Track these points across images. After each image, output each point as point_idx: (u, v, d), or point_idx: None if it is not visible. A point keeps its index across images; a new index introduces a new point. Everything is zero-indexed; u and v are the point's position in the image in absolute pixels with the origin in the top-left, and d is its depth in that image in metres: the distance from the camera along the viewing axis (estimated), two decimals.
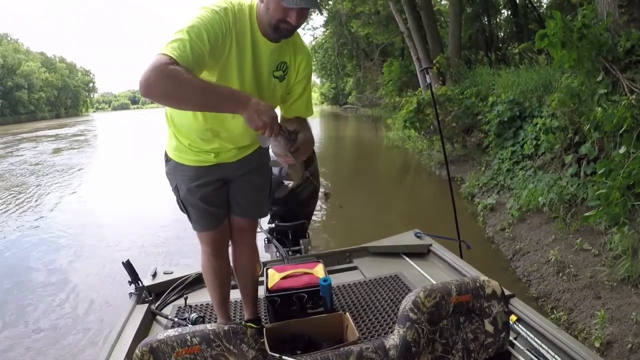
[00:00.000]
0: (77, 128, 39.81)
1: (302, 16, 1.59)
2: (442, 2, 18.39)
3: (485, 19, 16.28)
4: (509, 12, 16.58)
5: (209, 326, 1.27)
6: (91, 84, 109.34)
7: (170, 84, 1.39)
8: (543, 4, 16.16)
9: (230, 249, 2.19)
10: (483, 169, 7.55)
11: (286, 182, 3.17)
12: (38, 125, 47.69)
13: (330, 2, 23.59)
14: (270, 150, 1.91)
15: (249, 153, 1.96)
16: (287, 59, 1.78)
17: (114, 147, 22.72)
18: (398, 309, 1.39)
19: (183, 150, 1.88)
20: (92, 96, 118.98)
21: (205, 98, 1.47)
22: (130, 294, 2.54)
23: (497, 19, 17.26)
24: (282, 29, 1.60)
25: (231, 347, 1.25)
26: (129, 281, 2.54)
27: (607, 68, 5.10)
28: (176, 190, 1.98)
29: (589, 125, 4.90)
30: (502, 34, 17.15)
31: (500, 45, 15.56)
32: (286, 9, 1.52)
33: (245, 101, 1.49)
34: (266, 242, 3.49)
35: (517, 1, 15.49)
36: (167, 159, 1.98)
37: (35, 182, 11.73)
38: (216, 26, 1.53)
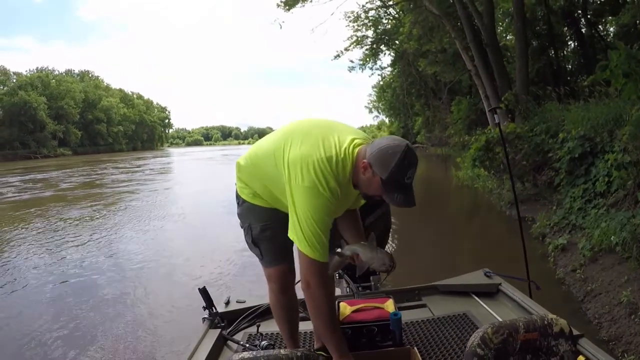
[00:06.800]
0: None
1: None
2: (508, 37, 18.25)
3: (552, 52, 15.94)
4: (576, 44, 16.19)
5: (282, 351, 1.36)
6: (167, 120, 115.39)
7: (320, 308, 1.85)
8: (610, 32, 15.69)
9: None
10: (554, 208, 7.40)
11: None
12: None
13: (397, 42, 23.99)
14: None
15: None
16: None
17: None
18: (465, 347, 1.43)
19: (257, 196, 2.04)
20: (167, 132, 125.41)
21: (324, 332, 1.90)
22: (204, 319, 2.65)
23: (565, 51, 16.85)
24: (373, 199, 1.88)
25: None
26: (203, 307, 2.65)
27: None
28: (249, 229, 2.09)
29: None
30: (570, 67, 16.70)
31: (569, 78, 15.15)
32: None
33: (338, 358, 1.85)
34: (337, 277, 3.51)
35: (583, 32, 15.13)
36: (242, 202, 2.10)
37: None
38: (333, 209, 1.81)
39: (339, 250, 2.07)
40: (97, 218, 12.38)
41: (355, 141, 1.83)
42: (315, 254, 1.77)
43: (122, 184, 22.12)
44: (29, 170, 33.05)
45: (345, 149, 1.79)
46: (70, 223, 11.63)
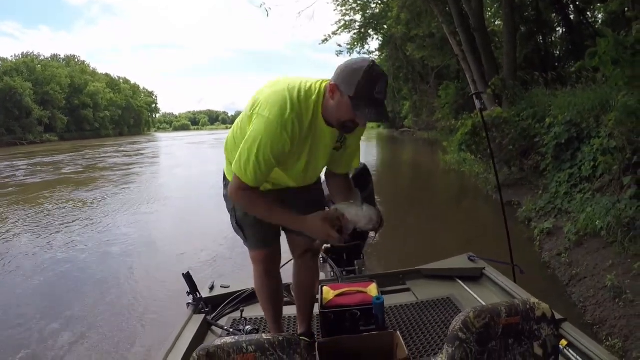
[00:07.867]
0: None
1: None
2: (496, 23, 18.18)
3: (540, 38, 15.89)
4: (564, 30, 16.14)
5: (264, 336, 1.34)
6: (153, 105, 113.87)
7: (248, 206, 1.94)
8: (598, 19, 15.70)
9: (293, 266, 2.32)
10: (540, 192, 7.45)
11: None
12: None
13: (385, 26, 23.84)
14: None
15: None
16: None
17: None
18: (448, 330, 1.42)
19: None
20: (154, 116, 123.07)
21: (271, 219, 1.94)
22: (188, 304, 2.64)
23: (553, 37, 16.79)
24: (347, 127, 1.78)
25: (285, 357, 1.31)
26: (187, 292, 2.65)
27: None
28: (233, 211, 2.09)
29: None
30: (558, 52, 16.70)
31: (557, 64, 15.17)
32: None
33: (301, 224, 1.86)
34: (321, 261, 3.51)
35: (572, 18, 15.11)
36: (227, 183, 2.05)
37: None
38: (284, 145, 1.73)
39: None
40: (106, 200, 12.50)
41: (324, 80, 1.81)
42: (246, 177, 1.76)
43: (130, 166, 22.22)
44: (28, 155, 32.59)
45: (312, 84, 1.79)
46: (75, 205, 11.77)
